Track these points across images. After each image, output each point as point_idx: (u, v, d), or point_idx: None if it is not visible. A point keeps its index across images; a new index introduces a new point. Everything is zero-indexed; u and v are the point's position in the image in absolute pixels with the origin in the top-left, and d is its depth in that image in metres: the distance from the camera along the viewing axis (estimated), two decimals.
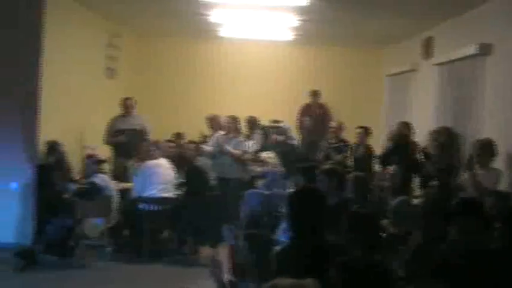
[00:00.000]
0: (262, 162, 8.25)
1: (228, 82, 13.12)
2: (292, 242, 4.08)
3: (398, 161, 8.36)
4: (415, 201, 6.54)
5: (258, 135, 10.32)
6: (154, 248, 8.44)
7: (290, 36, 11.85)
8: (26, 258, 7.69)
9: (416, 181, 8.35)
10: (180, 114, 12.68)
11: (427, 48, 10.33)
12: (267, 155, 8.11)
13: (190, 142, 10.08)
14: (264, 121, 10.79)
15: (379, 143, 10.46)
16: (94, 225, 7.89)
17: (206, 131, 10.94)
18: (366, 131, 10.18)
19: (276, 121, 10.73)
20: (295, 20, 10.24)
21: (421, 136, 8.84)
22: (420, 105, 10.57)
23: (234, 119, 9.98)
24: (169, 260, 8.19)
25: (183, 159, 9.44)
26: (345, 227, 4.33)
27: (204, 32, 11.96)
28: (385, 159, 8.79)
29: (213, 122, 10.82)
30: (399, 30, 10.85)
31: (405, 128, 9.19)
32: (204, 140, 10.46)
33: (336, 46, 13.07)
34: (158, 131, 10.42)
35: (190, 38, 12.91)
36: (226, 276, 5.64)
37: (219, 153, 9.64)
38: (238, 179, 9.44)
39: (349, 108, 12.61)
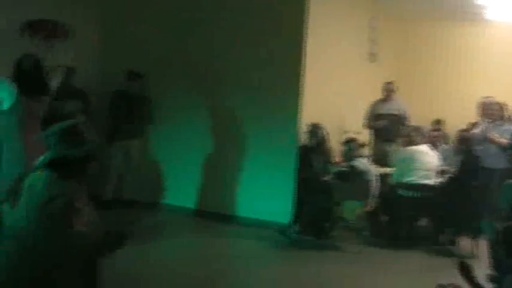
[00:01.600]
0: None
1: (494, 68, 12.41)
2: None
3: None
4: None
5: None
6: (411, 235, 8.33)
7: None
8: (285, 236, 8.00)
9: None
10: (440, 100, 12.26)
11: None
12: None
13: (464, 131, 9.66)
14: None
15: None
16: (352, 208, 7.93)
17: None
18: None
19: None
20: None
21: None
22: None
23: (499, 106, 9.45)
24: (426, 249, 8.00)
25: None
26: None
27: (467, 14, 11.42)
28: None
29: (484, 108, 10.18)
30: None
31: None
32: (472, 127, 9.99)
33: None
34: (417, 116, 10.19)
35: (452, 21, 12.38)
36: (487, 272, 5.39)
37: (484, 142, 9.18)
38: (503, 169, 8.92)
39: None
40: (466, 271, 5.33)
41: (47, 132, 3.80)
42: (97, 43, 9.56)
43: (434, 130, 10.15)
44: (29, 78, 6.12)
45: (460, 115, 10.83)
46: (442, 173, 8.54)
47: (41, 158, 3.82)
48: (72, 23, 8.50)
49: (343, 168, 8.34)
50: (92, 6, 9.43)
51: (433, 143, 9.12)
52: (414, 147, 8.37)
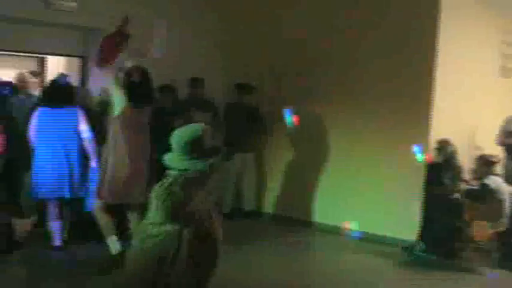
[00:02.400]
0: None
1: None
2: None
3: None
4: None
5: None
6: None
7: None
8: (410, 254, 7.82)
9: None
10: None
11: None
12: None
13: None
14: None
15: None
16: (483, 228, 7.64)
17: None
18: None
19: None
20: None
21: None
22: None
23: None
24: None
25: None
26: None
27: None
28: None
29: None
30: None
31: None
32: None
33: None
34: None
35: None
36: None
37: None
38: None
39: None
40: None
41: (175, 136, 3.84)
42: (221, 56, 9.78)
43: None
44: (136, 88, 6.45)
45: None
46: None
47: (166, 158, 3.88)
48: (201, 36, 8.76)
49: (474, 187, 8.09)
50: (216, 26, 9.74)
51: None
52: None
